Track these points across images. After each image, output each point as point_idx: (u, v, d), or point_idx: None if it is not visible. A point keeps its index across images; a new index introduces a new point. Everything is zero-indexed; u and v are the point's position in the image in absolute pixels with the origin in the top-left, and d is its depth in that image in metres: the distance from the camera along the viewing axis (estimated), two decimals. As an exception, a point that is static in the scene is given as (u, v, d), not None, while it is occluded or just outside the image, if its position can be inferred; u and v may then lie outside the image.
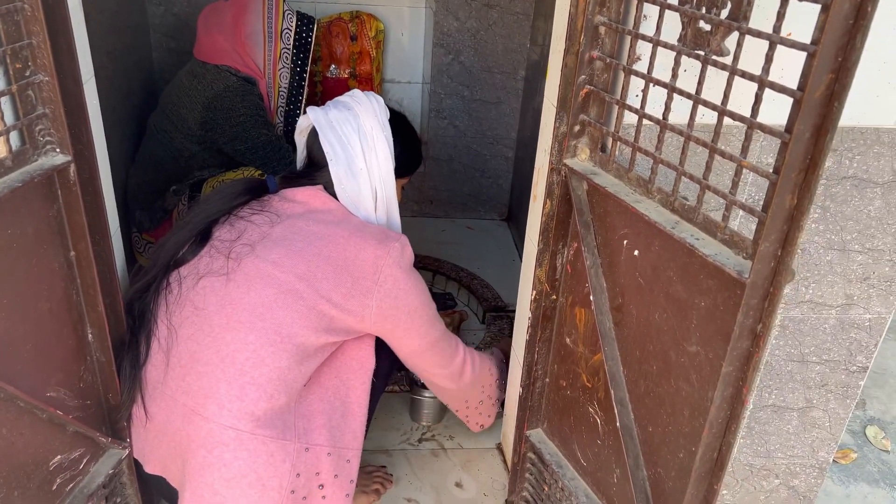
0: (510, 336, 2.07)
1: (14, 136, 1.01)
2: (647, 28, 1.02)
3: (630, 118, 1.07)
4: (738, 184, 0.90)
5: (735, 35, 0.85)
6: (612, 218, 1.13)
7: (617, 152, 1.12)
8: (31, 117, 1.01)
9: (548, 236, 1.28)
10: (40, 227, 1.06)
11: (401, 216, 1.49)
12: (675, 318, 1.04)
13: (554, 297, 1.33)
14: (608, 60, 1.09)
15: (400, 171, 1.47)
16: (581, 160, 1.19)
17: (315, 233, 1.30)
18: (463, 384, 1.54)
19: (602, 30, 1.08)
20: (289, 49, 2.20)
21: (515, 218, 2.88)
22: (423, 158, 1.59)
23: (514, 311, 1.70)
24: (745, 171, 0.99)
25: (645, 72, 1.01)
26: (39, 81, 1.00)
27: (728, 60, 0.87)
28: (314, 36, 2.25)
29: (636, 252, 1.09)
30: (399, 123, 1.48)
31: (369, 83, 2.76)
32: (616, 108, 1.09)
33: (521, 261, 1.64)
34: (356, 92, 1.46)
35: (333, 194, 1.39)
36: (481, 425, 1.73)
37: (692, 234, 0.97)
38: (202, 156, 2.09)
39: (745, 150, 0.88)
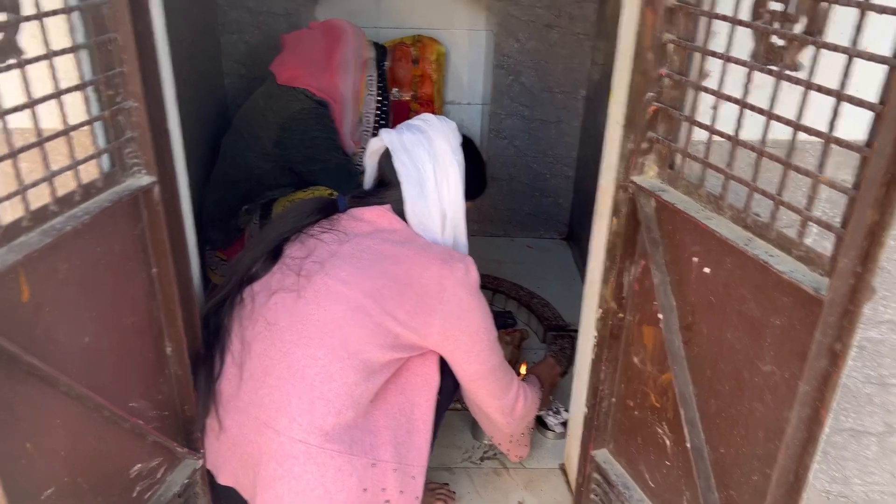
0: (572, 355, 2.06)
1: (104, 158, 1.07)
2: (716, 44, 1.02)
3: (699, 134, 1.06)
4: (815, 199, 0.88)
5: (809, 49, 0.85)
6: (681, 235, 1.12)
7: (686, 169, 1.11)
8: (121, 141, 1.07)
9: (614, 254, 1.27)
10: (126, 245, 1.12)
11: None
12: (748, 336, 1.02)
13: (621, 315, 1.32)
14: (677, 77, 1.09)
15: (467, 195, 1.49)
16: (649, 177, 1.18)
17: (381, 252, 1.32)
18: (514, 419, 1.52)
19: (671, 47, 1.08)
20: (373, 77, 2.35)
21: (576, 237, 2.86)
22: (487, 183, 1.60)
23: (575, 330, 1.69)
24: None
25: (715, 88, 1.00)
26: (129, 107, 1.06)
27: (802, 75, 0.86)
28: (386, 65, 2.38)
29: (707, 269, 1.08)
30: (468, 148, 1.50)
31: (430, 106, 2.80)
32: (685, 124, 1.09)
33: (582, 280, 1.62)
34: (428, 116, 1.48)
35: (400, 213, 1.41)
36: (520, 457, 1.71)
37: (766, 250, 0.96)
38: (274, 174, 2.16)
39: (822, 165, 0.86)
